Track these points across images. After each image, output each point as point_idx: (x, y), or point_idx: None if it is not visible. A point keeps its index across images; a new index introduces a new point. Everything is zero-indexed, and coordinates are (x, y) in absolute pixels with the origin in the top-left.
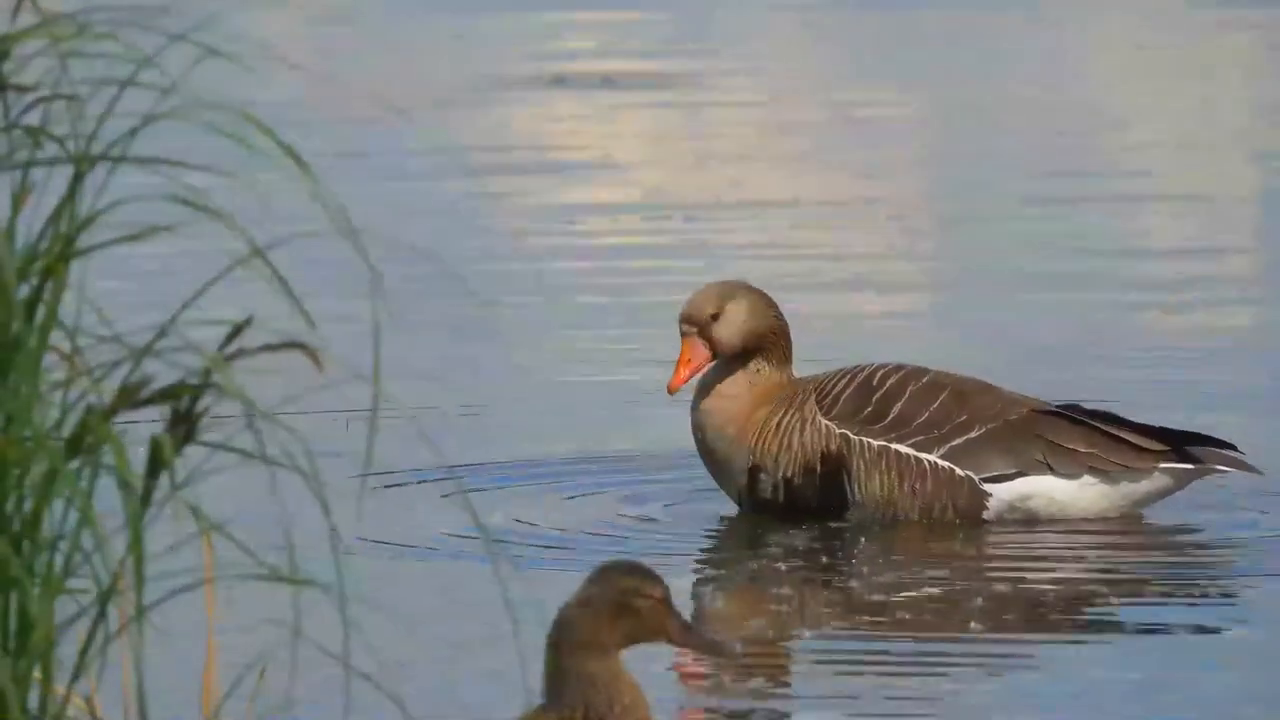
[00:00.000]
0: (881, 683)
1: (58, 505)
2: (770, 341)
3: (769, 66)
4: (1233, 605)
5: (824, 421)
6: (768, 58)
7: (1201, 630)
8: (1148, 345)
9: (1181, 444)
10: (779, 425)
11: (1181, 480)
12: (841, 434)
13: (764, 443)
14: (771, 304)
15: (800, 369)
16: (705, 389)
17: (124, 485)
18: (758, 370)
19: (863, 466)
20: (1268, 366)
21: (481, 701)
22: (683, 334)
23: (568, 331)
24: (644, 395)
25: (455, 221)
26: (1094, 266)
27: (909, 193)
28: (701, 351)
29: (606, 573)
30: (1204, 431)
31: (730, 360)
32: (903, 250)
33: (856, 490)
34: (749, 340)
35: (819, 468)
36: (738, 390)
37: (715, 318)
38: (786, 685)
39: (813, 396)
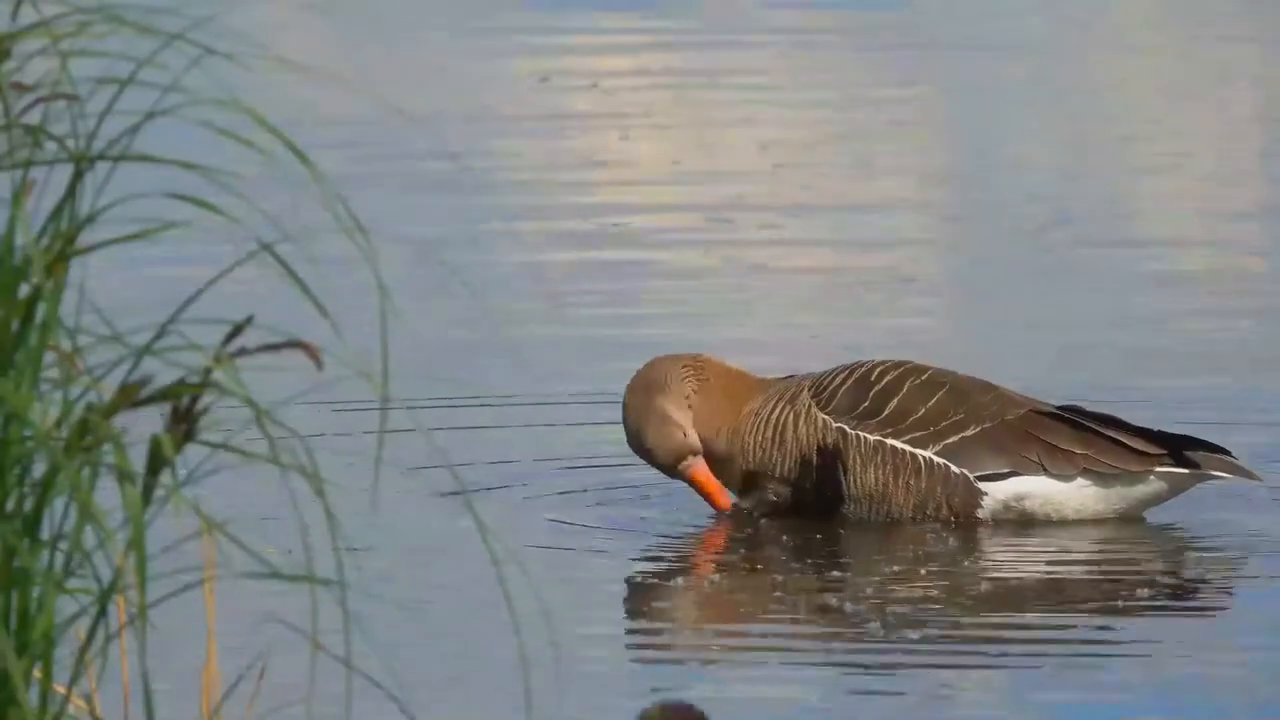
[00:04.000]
0: (874, 684)
1: (58, 505)
2: (691, 384)
3: (786, 68)
4: (1226, 607)
5: (820, 415)
6: (786, 59)
7: (1195, 631)
8: (1161, 349)
9: (1179, 448)
10: (770, 416)
11: (1177, 485)
12: (838, 428)
13: (756, 433)
14: (648, 390)
15: (811, 369)
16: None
17: (124, 482)
18: (690, 396)
19: (858, 461)
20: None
21: (484, 702)
22: (688, 474)
23: (568, 330)
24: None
25: (464, 221)
26: (1111, 268)
27: (924, 191)
28: (704, 467)
29: None
30: (1205, 437)
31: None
32: (916, 248)
33: (851, 485)
34: (691, 412)
35: (815, 461)
36: (702, 412)
37: (649, 450)
38: (778, 687)
39: (806, 390)
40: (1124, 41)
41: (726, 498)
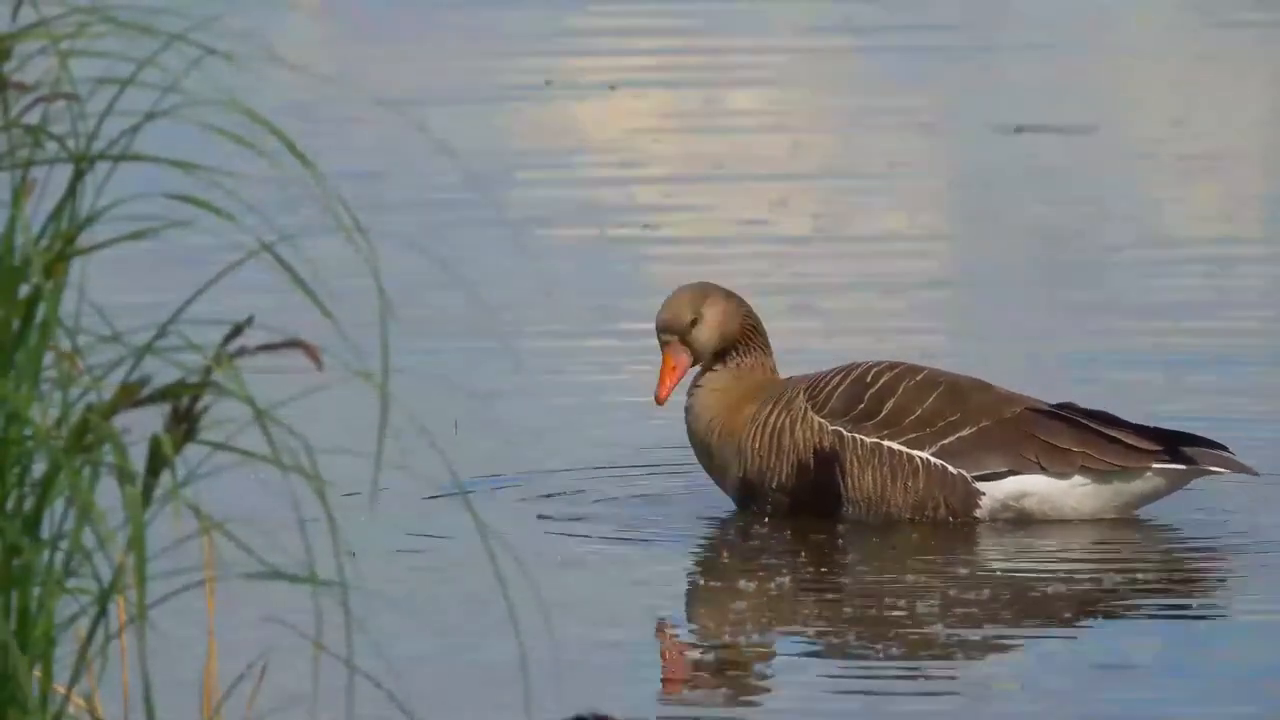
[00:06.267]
0: (872, 683)
1: (58, 505)
2: (745, 338)
3: (793, 70)
4: (1223, 606)
5: (816, 418)
6: (793, 63)
7: (1192, 629)
8: (1160, 348)
9: (1175, 444)
10: (767, 422)
11: (1174, 481)
12: (835, 431)
13: (754, 440)
14: (742, 303)
15: (811, 369)
16: (693, 387)
17: (124, 482)
18: (738, 365)
19: (855, 463)
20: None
21: (484, 702)
22: (662, 343)
23: (568, 332)
24: (630, 397)
25: (472, 223)
26: (1114, 269)
27: (926, 192)
28: (684, 358)
29: None
30: (1201, 432)
31: (710, 360)
32: (916, 250)
33: (849, 487)
34: (725, 341)
35: (812, 465)
36: (724, 384)
37: (694, 323)
38: (775, 691)
39: (801, 394)
40: (1138, 41)
41: (667, 388)
